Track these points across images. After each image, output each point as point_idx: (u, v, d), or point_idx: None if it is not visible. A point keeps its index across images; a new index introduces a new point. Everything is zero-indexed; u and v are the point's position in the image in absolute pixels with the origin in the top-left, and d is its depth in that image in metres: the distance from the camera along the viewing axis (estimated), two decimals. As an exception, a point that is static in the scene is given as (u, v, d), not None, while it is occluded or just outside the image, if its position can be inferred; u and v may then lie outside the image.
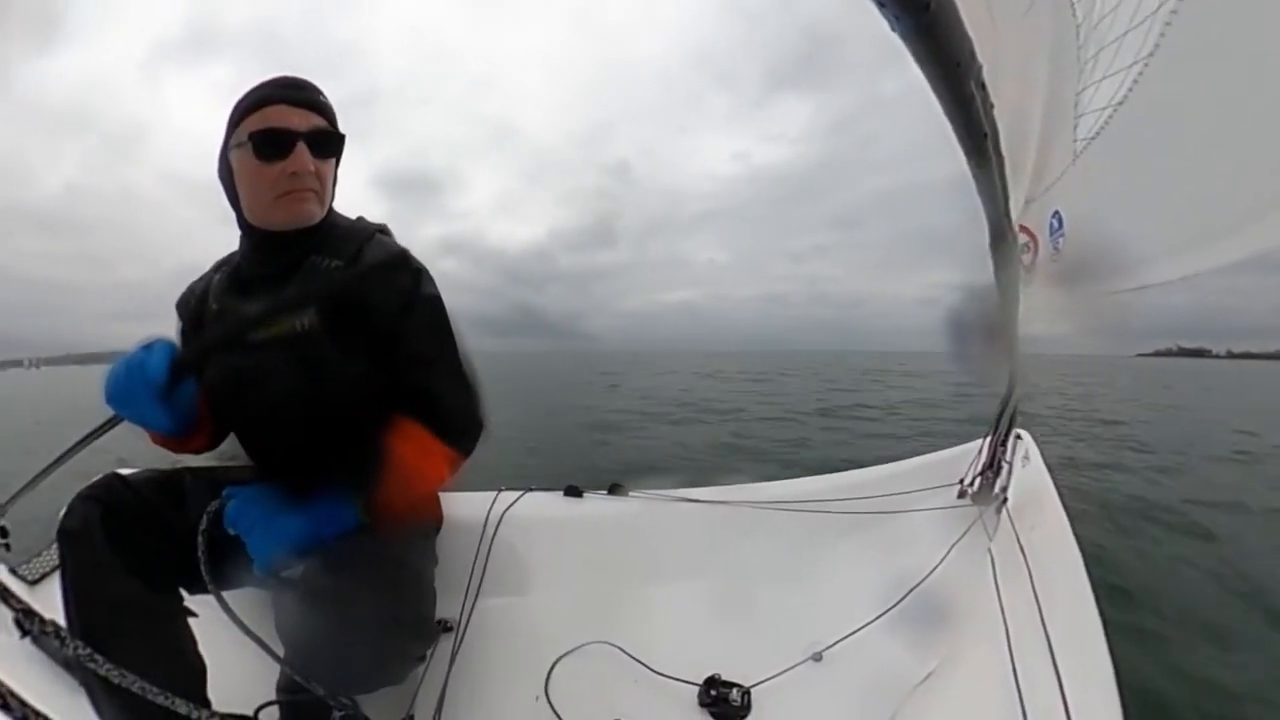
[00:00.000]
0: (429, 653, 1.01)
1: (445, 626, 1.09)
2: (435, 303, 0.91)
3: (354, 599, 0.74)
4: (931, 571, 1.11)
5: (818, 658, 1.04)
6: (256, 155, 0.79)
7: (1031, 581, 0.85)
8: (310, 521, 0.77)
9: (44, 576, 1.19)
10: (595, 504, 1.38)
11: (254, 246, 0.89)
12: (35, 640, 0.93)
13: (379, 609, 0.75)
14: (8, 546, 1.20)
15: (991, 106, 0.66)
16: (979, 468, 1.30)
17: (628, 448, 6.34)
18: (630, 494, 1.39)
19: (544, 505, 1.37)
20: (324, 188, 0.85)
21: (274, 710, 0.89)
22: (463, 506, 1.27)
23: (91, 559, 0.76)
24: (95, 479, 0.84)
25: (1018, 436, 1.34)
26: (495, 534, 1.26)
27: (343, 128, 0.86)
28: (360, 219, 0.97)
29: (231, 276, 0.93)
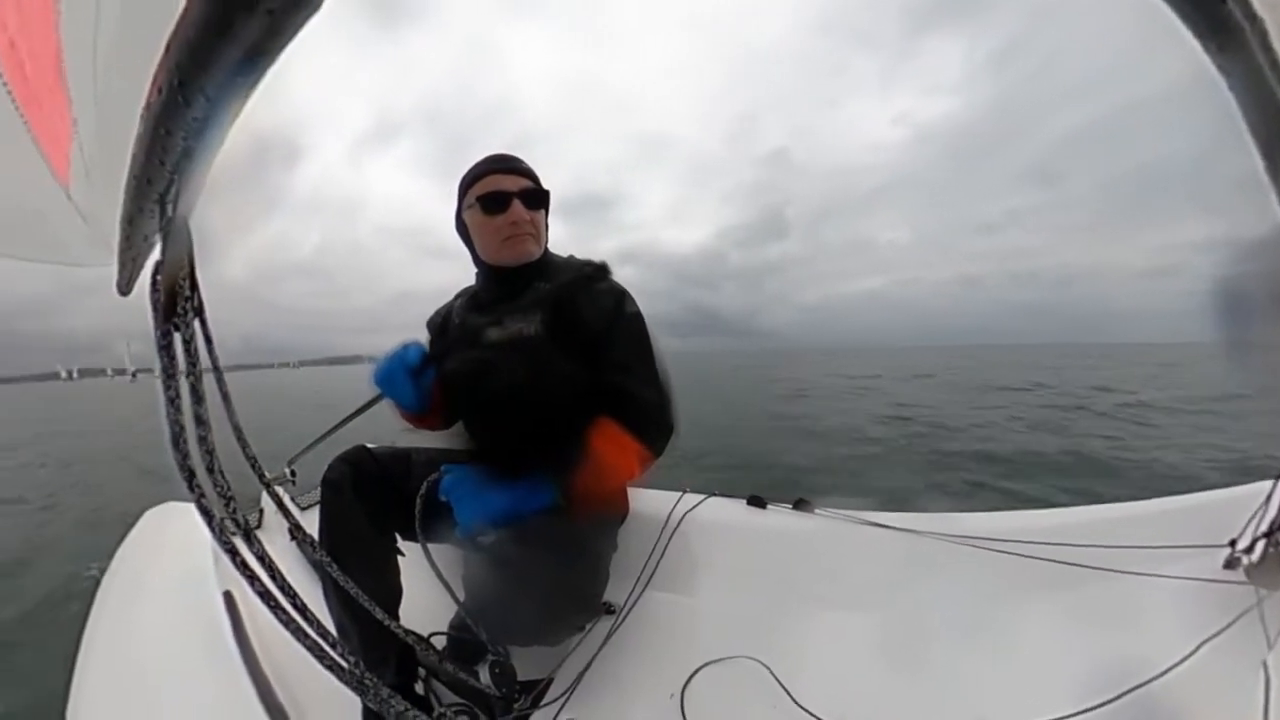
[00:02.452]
0: (587, 627, 1.10)
1: (609, 609, 1.15)
2: (637, 318, 1.09)
3: (533, 568, 0.90)
4: (1170, 669, 0.77)
5: None
6: (484, 212, 1.06)
7: None
8: (512, 499, 0.91)
9: (311, 505, 1.69)
10: (777, 517, 1.33)
11: (488, 279, 1.15)
12: (299, 545, 1.30)
13: (553, 580, 0.92)
14: (294, 483, 1.80)
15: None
16: (1262, 526, 0.88)
17: (821, 460, 5.97)
18: (815, 511, 1.32)
19: (725, 512, 1.37)
20: (538, 231, 1.10)
21: (442, 640, 1.16)
22: (649, 502, 1.36)
23: (341, 502, 1.02)
24: (349, 448, 1.13)
25: None
26: (674, 532, 1.29)
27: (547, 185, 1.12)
28: (572, 257, 1.17)
29: (471, 301, 1.20)
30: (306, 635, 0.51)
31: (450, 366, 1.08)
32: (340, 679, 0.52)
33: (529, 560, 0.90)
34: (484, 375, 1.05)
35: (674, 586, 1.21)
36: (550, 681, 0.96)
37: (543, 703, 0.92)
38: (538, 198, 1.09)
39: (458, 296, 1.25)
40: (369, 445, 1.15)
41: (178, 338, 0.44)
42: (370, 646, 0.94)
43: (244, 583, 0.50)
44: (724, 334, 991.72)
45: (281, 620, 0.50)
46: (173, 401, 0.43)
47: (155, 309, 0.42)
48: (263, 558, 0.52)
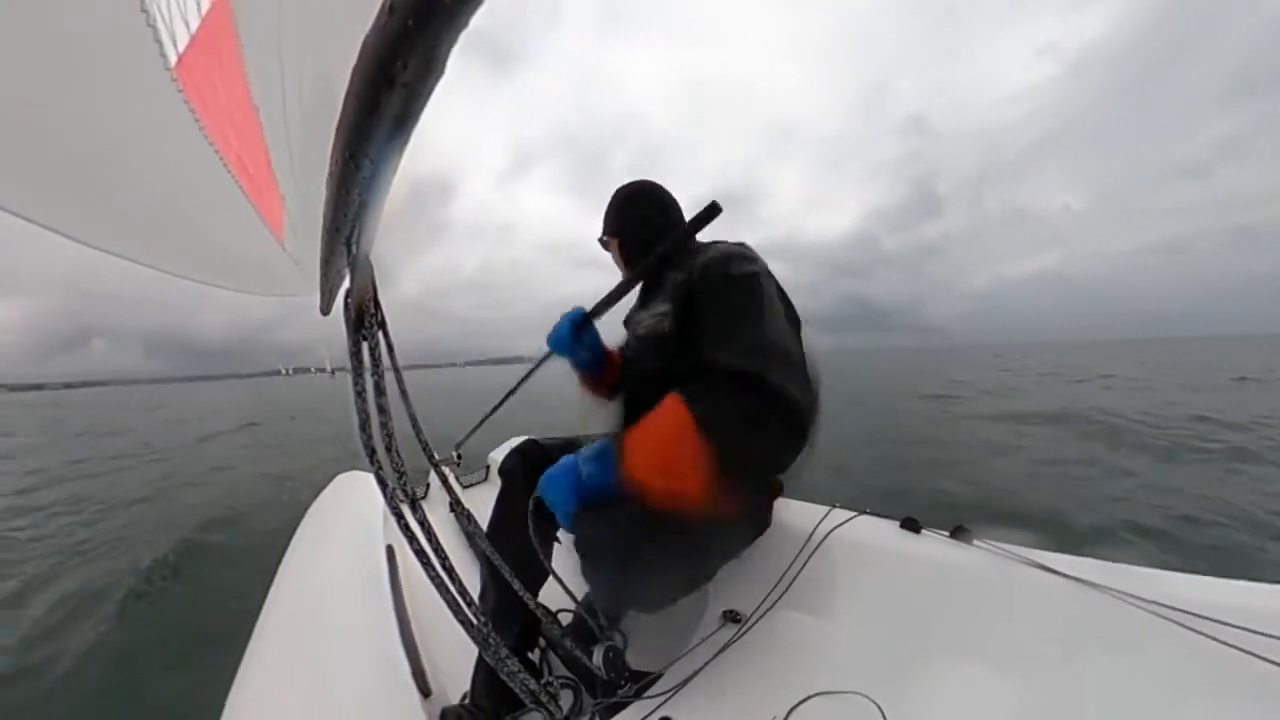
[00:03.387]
0: (706, 635, 1.08)
1: (734, 617, 1.14)
2: (744, 279, 0.93)
3: (606, 552, 0.87)
4: None
5: None
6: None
7: None
8: (568, 478, 0.88)
9: (472, 485, 1.94)
10: (931, 545, 1.19)
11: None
12: (457, 519, 1.52)
13: (630, 565, 0.86)
14: (459, 463, 2.11)
15: None
16: None
17: (990, 481, 4.82)
18: (974, 542, 1.16)
19: (874, 532, 1.26)
20: (617, 260, 1.28)
21: (568, 616, 1.22)
22: (794, 514, 1.33)
23: (511, 488, 1.16)
24: (520, 440, 1.27)
25: None
26: (816, 549, 1.23)
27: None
28: (716, 243, 1.09)
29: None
30: (447, 590, 0.58)
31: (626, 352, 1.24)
32: (467, 632, 0.59)
33: (602, 541, 0.86)
34: (633, 363, 1.17)
35: (807, 606, 1.14)
36: (659, 676, 0.98)
37: (645, 695, 0.94)
38: (603, 241, 1.29)
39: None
40: (536, 438, 1.27)
41: (365, 346, 0.55)
42: (502, 611, 1.06)
43: (404, 540, 0.59)
44: (882, 328, 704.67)
45: (429, 575, 0.59)
46: (360, 395, 0.54)
47: (348, 324, 0.53)
48: (422, 522, 0.61)
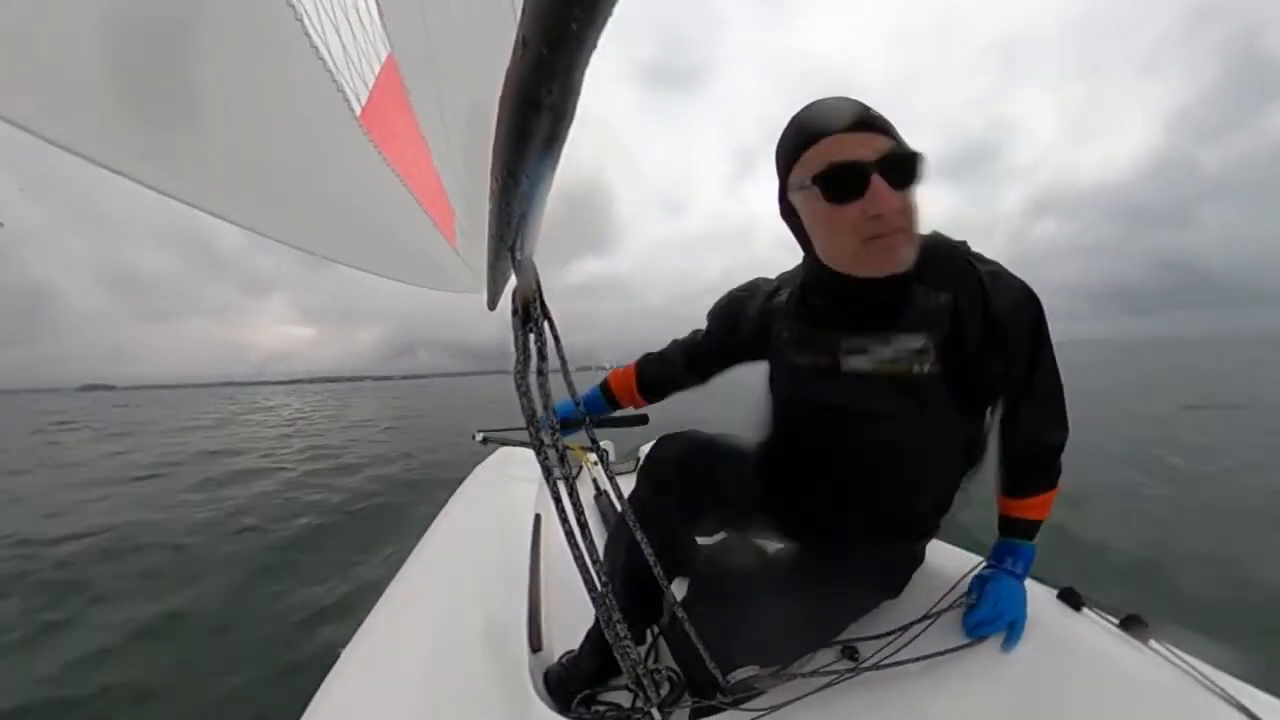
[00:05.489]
0: (818, 665, 0.98)
1: (850, 653, 1.01)
2: (1049, 339, 0.84)
3: (731, 600, 0.94)
4: None
5: None
6: (828, 197, 0.71)
7: None
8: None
9: (622, 474, 2.11)
10: (1095, 631, 0.96)
11: (836, 293, 0.84)
12: (597, 501, 1.82)
13: (755, 618, 0.90)
14: (606, 453, 2.32)
15: None
16: None
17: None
18: (1150, 643, 0.91)
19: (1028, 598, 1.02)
20: (912, 223, 0.73)
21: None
22: (943, 558, 1.19)
23: (662, 480, 1.01)
24: (681, 432, 1.09)
25: None
26: (956, 602, 1.07)
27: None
28: (940, 237, 0.85)
29: (802, 308, 0.92)
30: (581, 558, 0.63)
31: (788, 395, 0.92)
32: (590, 595, 0.64)
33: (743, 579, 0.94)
34: (851, 419, 0.83)
35: (937, 660, 0.97)
36: (761, 692, 0.91)
37: (742, 706, 0.87)
38: (908, 167, 0.70)
39: (771, 288, 1.02)
40: (698, 432, 1.06)
41: (531, 338, 0.62)
42: (627, 588, 0.97)
43: (553, 511, 0.66)
44: (1224, 301, 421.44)
45: (570, 543, 0.63)
46: (523, 380, 0.62)
47: (515, 316, 0.61)
48: (571, 493, 0.66)
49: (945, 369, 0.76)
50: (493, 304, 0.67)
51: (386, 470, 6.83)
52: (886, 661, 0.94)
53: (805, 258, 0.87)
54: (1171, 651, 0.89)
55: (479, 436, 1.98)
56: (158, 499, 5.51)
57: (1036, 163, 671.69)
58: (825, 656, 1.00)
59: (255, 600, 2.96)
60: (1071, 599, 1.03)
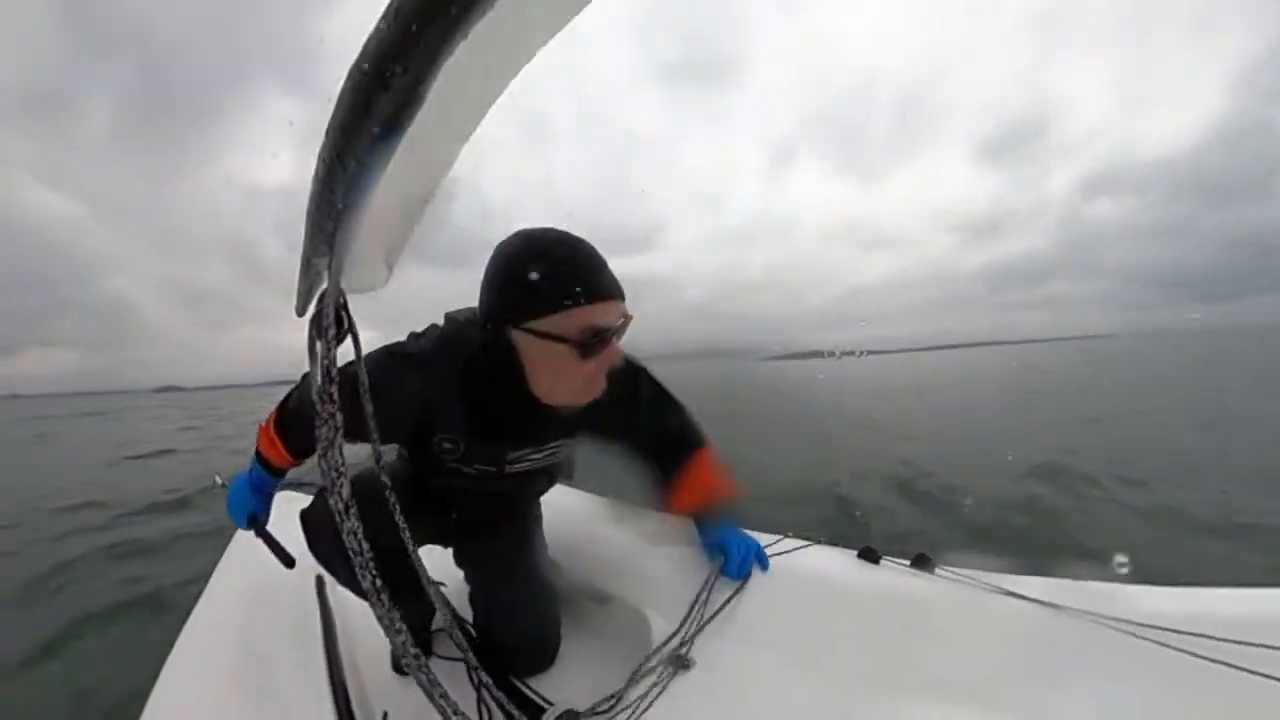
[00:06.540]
0: (654, 669, 1.00)
1: (682, 662, 1.02)
2: (656, 390, 1.15)
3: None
4: None
5: None
6: (579, 354, 0.80)
7: None
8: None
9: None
10: (890, 575, 1.13)
11: (519, 405, 0.89)
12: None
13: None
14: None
15: None
16: None
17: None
18: (937, 571, 1.10)
19: (829, 563, 1.19)
20: None
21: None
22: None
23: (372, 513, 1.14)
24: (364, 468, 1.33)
25: None
26: (765, 581, 1.16)
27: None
28: None
29: (479, 420, 0.96)
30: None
31: (446, 483, 1.08)
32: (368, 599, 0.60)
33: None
34: (506, 496, 1.19)
35: (754, 640, 1.08)
36: (595, 711, 0.93)
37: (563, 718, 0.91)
38: (625, 328, 0.85)
39: (433, 385, 0.93)
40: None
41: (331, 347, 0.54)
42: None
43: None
44: None
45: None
46: (319, 394, 0.53)
47: (312, 324, 0.53)
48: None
49: (577, 444, 1.12)
50: (301, 309, 0.57)
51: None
52: (691, 644, 1.06)
53: (480, 375, 0.90)
54: (953, 573, 1.07)
55: (219, 481, 1.56)
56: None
57: (1090, 138, 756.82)
58: (648, 660, 1.02)
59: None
60: (870, 555, 1.18)
